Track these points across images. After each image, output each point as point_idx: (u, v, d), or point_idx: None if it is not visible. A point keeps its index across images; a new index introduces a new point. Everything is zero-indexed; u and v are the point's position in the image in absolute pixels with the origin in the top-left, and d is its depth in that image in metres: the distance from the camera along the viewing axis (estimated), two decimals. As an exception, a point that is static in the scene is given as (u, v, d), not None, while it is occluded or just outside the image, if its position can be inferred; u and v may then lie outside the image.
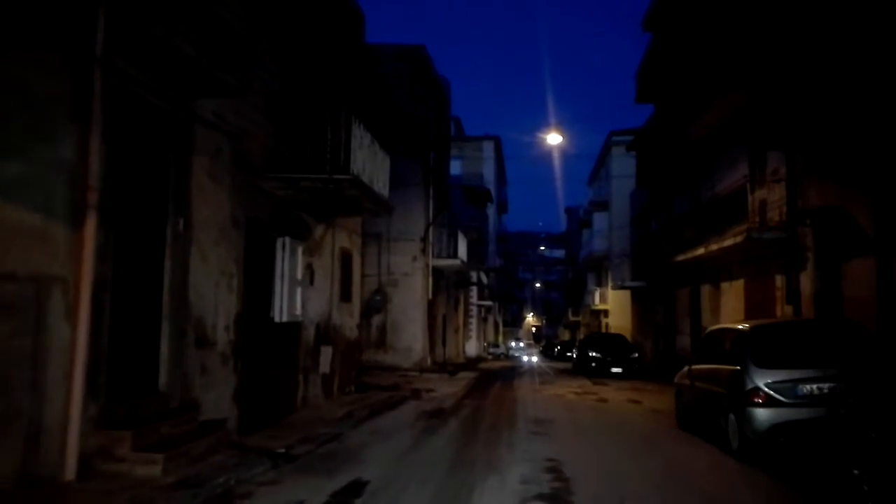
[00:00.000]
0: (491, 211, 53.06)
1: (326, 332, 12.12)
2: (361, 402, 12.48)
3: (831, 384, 7.66)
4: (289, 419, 9.91)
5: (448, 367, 24.79)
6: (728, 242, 16.25)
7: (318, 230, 11.60)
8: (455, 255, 25.43)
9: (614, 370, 23.98)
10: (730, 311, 19.04)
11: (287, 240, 10.02)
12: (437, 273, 26.49)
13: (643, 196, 31.79)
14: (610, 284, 42.06)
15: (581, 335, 49.50)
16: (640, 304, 32.55)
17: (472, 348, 42.09)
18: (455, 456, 7.93)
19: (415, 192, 23.47)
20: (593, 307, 48.95)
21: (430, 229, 23.95)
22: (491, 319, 59.57)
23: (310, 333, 11.28)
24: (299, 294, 10.52)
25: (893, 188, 10.57)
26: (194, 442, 6.47)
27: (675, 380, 10.99)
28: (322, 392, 11.93)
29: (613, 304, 42.89)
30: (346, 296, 13.36)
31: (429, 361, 23.98)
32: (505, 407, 13.28)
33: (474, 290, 43.34)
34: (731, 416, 8.22)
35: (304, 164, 9.38)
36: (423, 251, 23.55)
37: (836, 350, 8.07)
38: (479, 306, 47.20)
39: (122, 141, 6.25)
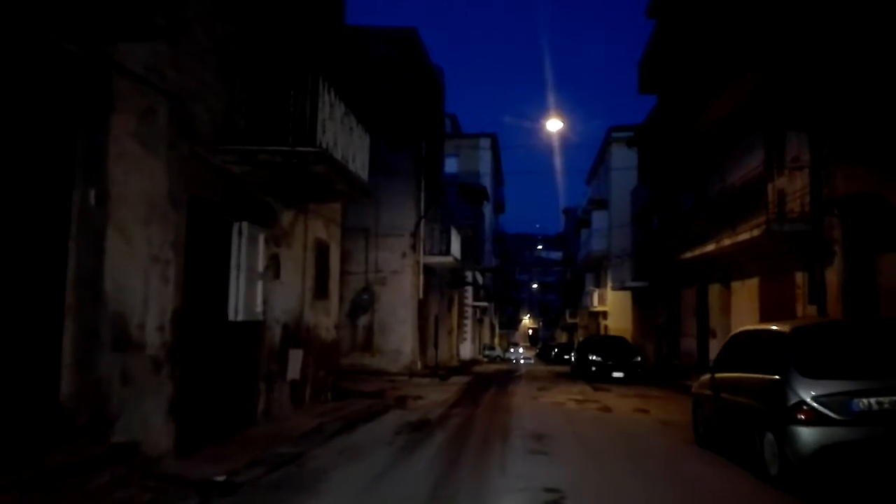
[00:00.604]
0: (487, 210, 51.78)
1: (296, 333, 10.70)
2: (337, 412, 11.07)
3: (894, 397, 6.29)
4: (245, 434, 8.49)
5: (440, 372, 23.36)
6: (743, 237, 14.87)
7: (287, 217, 10.19)
8: (448, 252, 24.02)
9: (616, 375, 22.59)
10: (742, 312, 17.67)
11: (245, 225, 8.61)
12: (429, 271, 25.08)
13: (645, 193, 30.45)
14: (609, 285, 40.69)
15: (579, 338, 48.08)
16: (642, 306, 31.17)
17: (466, 351, 40.68)
18: (435, 484, 6.53)
19: (405, 184, 22.08)
20: (591, 309, 47.61)
21: (422, 224, 22.53)
22: (487, 321, 58.21)
23: (275, 334, 9.86)
24: (260, 289, 9.11)
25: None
26: (96, 473, 5.06)
27: (693, 389, 9.60)
28: (290, 401, 10.51)
29: (613, 306, 41.56)
30: (321, 292, 11.94)
31: (419, 365, 22.54)
32: (498, 418, 11.88)
33: (469, 291, 41.96)
34: (769, 436, 6.83)
35: (264, 136, 7.97)
36: (414, 247, 22.12)
37: (898, 356, 6.71)
38: (475, 307, 45.82)
39: (5, 87, 4.85)
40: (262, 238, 9.07)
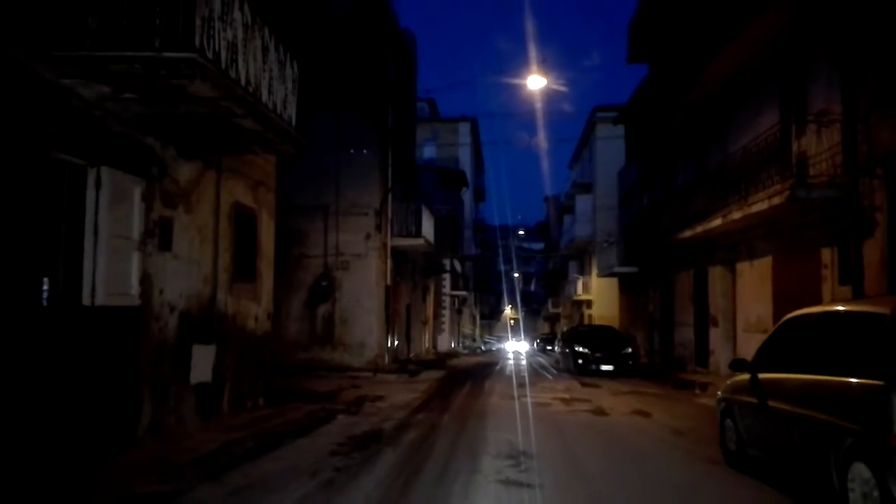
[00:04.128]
0: (467, 196, 49.59)
1: (206, 324, 8.26)
2: (260, 424, 8.64)
3: None
4: (110, 464, 6.04)
5: (410, 367, 20.97)
6: (758, 207, 12.62)
7: (186, 170, 7.72)
8: (419, 233, 21.60)
9: (605, 368, 20.40)
10: (750, 297, 15.49)
11: (105, 171, 6.14)
12: (400, 256, 22.68)
13: (633, 172, 28.26)
14: (594, 272, 38.50)
15: (562, 328, 45.97)
16: (630, 293, 29.02)
17: (444, 342, 38.36)
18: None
19: (369, 158, 19.60)
20: (575, 297, 45.60)
21: (389, 200, 20.07)
22: (467, 311, 55.91)
23: (167, 325, 7.40)
24: (136, 262, 6.65)
25: None
26: None
27: (721, 393, 7.28)
28: (196, 412, 8.07)
29: (598, 294, 39.54)
30: (245, 273, 9.49)
31: (387, 359, 20.14)
32: (470, 427, 9.53)
33: (447, 279, 39.63)
34: (860, 468, 4.55)
35: (119, 38, 5.49)
36: (380, 227, 19.66)
37: None
38: (454, 297, 43.52)
39: None
40: (137, 193, 6.60)
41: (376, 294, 19.62)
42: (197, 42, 5.42)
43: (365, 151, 19.25)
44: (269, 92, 7.13)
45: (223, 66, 5.93)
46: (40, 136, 5.41)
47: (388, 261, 20.34)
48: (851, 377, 4.76)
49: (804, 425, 5.27)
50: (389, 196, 20.05)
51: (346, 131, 19.10)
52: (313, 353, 19.06)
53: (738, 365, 6.66)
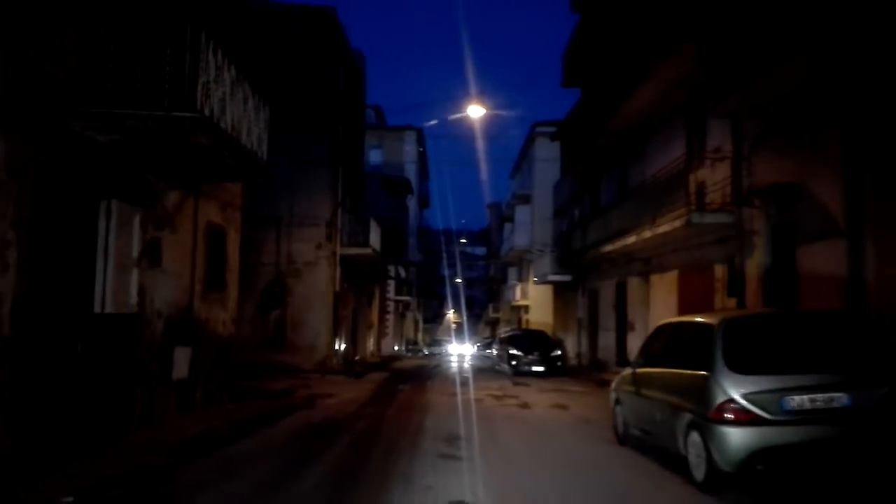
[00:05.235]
0: (412, 203, 50.97)
1: (185, 328, 9.55)
2: (231, 416, 9.97)
3: (832, 394, 5.85)
4: (117, 445, 7.34)
5: (357, 368, 22.36)
6: (663, 229, 14.59)
7: (172, 197, 9.02)
8: (367, 243, 23.02)
9: (536, 369, 22.25)
10: (661, 305, 17.51)
11: (115, 204, 7.45)
12: (348, 263, 24.01)
13: (567, 187, 30.34)
14: (531, 279, 40.57)
15: (502, 332, 47.95)
16: (563, 300, 31.09)
17: (388, 346, 39.76)
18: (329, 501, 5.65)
19: (321, 172, 20.95)
20: (514, 303, 47.56)
21: (339, 213, 21.44)
22: (410, 316, 57.37)
23: (156, 329, 8.70)
24: (135, 277, 7.96)
25: (869, 160, 9.01)
26: None
27: (613, 386, 9.06)
28: (176, 405, 9.37)
29: (534, 300, 41.52)
30: (216, 283, 10.80)
31: (335, 361, 21.49)
32: (413, 418, 11.06)
33: (392, 285, 41.03)
34: (695, 437, 6.30)
35: (135, 99, 6.82)
36: (330, 238, 21.02)
37: (834, 349, 6.27)
38: (398, 302, 44.94)
39: None
40: (137, 219, 7.92)
41: (326, 300, 20.95)
42: (198, 104, 6.81)
43: (318, 167, 20.55)
44: (248, 133, 8.52)
45: (216, 119, 7.32)
46: (72, 177, 6.70)
47: (338, 269, 21.69)
48: (691, 370, 6.52)
49: (663, 407, 7.02)
50: (339, 209, 21.40)
51: (301, 148, 20.36)
52: (265, 355, 20.19)
53: (622, 363, 8.42)
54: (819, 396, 5.85)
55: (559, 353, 23.16)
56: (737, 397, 5.88)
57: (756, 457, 5.78)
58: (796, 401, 5.84)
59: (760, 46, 10.15)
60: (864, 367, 6.14)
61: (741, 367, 6.03)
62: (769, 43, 9.87)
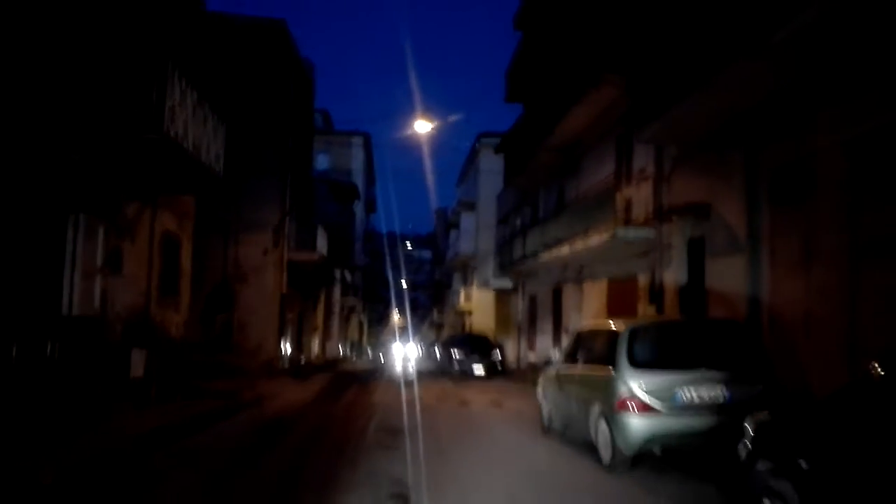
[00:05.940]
0: (359, 208, 51.41)
1: (141, 331, 10.12)
2: (184, 412, 10.55)
3: (716, 391, 6.94)
4: (82, 438, 7.90)
5: (302, 370, 22.93)
6: (593, 241, 15.78)
7: (132, 208, 9.61)
8: (314, 248, 23.64)
9: (477, 371, 23.26)
10: (592, 311, 18.73)
11: (82, 217, 8.03)
12: (295, 268, 24.55)
13: (509, 197, 31.50)
14: (475, 284, 41.69)
15: (446, 335, 48.89)
16: (504, 305, 32.25)
17: (333, 348, 40.22)
18: (281, 483, 6.41)
19: (270, 179, 21.49)
20: (458, 307, 48.52)
21: (286, 219, 22.00)
22: (356, 319, 57.79)
23: (116, 331, 9.27)
24: (98, 284, 8.54)
25: (766, 182, 10.26)
26: None
27: (540, 383, 10.07)
28: (133, 402, 9.91)
29: (478, 305, 42.55)
30: (170, 289, 11.36)
31: (281, 363, 22.03)
32: (357, 415, 11.85)
33: (338, 288, 41.51)
34: (603, 425, 7.31)
35: (105, 122, 7.45)
36: (277, 243, 21.56)
37: (720, 352, 7.38)
38: (343, 305, 45.40)
39: None
40: (101, 230, 8.50)
41: (272, 303, 21.47)
42: (167, 129, 7.49)
43: (266, 174, 21.09)
44: (207, 151, 9.19)
45: (180, 139, 8.00)
46: (49, 195, 7.28)
47: (284, 273, 22.23)
48: (601, 369, 7.54)
49: (579, 401, 8.04)
50: (287, 217, 21.97)
51: (249, 154, 20.83)
52: (213, 357, 20.57)
53: (547, 363, 9.42)
54: (705, 392, 6.94)
55: (499, 356, 24.22)
56: (637, 391, 6.91)
57: (652, 441, 6.83)
58: (686, 395, 6.91)
59: (673, 80, 11.37)
60: (744, 368, 7.26)
61: (641, 365, 7.08)
62: (679, 77, 11.09)
